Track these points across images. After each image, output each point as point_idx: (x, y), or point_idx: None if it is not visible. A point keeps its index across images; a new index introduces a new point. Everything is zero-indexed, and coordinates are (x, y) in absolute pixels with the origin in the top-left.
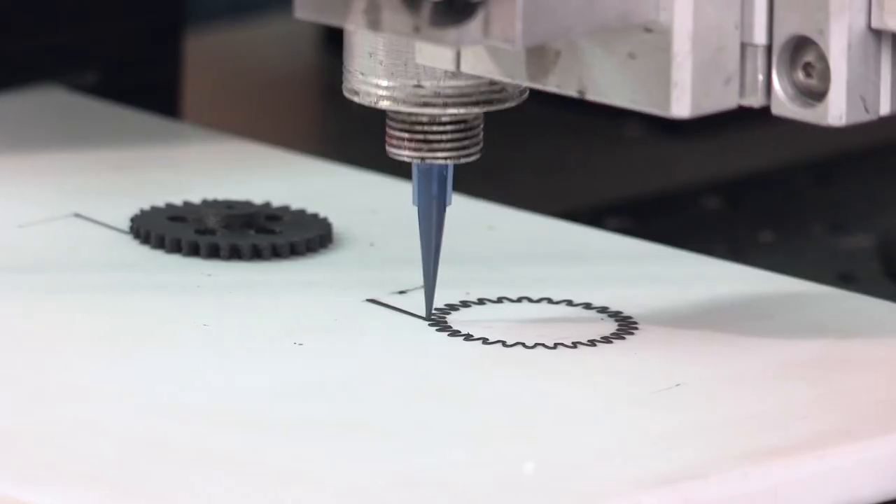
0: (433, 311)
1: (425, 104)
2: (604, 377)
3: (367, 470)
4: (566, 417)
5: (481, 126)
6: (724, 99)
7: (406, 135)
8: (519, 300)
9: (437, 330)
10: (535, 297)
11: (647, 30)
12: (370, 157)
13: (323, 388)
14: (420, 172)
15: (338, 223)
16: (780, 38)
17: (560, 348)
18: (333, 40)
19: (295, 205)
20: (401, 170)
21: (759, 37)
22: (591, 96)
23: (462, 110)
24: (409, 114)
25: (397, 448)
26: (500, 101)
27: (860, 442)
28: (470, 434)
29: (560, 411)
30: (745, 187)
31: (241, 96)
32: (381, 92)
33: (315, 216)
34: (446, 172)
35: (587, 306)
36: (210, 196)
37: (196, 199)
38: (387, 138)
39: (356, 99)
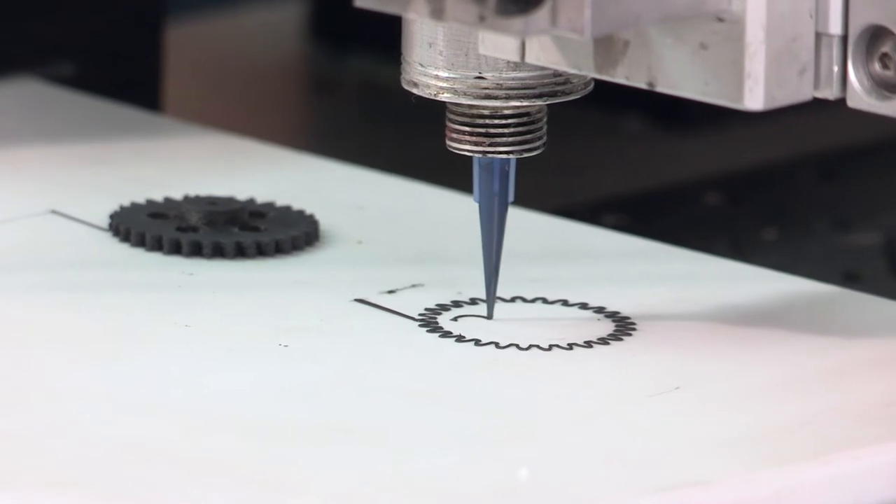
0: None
1: (487, 96)
2: (600, 380)
3: (355, 475)
4: (562, 421)
5: (545, 119)
6: (799, 91)
7: (467, 128)
8: (513, 300)
9: (427, 331)
10: (529, 297)
11: (719, 19)
12: (358, 151)
13: (309, 390)
14: (481, 167)
15: (324, 220)
16: (855, 28)
17: (555, 350)
18: (320, 30)
19: (280, 201)
20: (389, 165)
21: (835, 26)
22: (662, 88)
23: (525, 102)
24: (470, 106)
25: (386, 452)
26: (564, 93)
27: (866, 448)
28: (462, 438)
29: (555, 415)
30: (747, 183)
31: (224, 89)
32: (441, 84)
33: (301, 213)
34: (508, 167)
35: (583, 306)
36: (192, 192)
37: (178, 195)
38: (447, 131)
39: (416, 91)
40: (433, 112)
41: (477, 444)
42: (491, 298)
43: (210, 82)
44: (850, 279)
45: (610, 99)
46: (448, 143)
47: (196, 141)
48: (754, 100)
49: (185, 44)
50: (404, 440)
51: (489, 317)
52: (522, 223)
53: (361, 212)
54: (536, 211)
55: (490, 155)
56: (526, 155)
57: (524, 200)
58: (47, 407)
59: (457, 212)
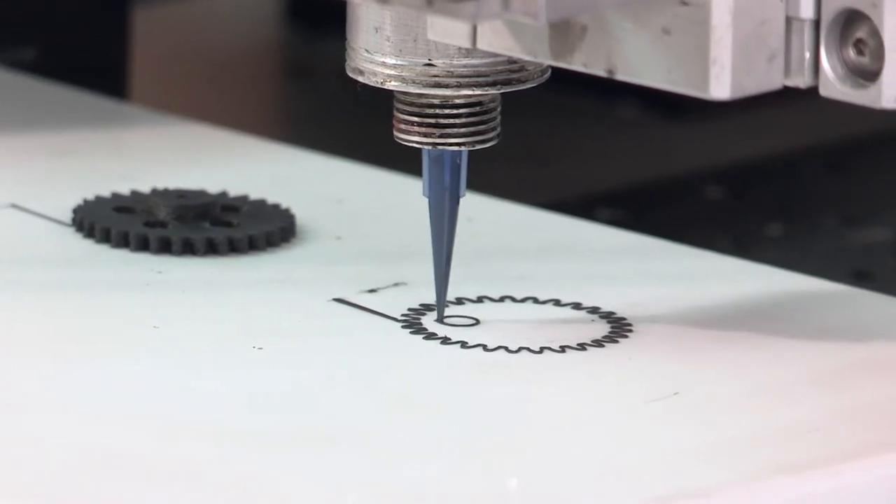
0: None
1: (437, 84)
2: (595, 385)
3: (335, 486)
4: (553, 429)
5: (498, 109)
6: (768, 79)
7: (415, 118)
8: (501, 300)
9: (411, 332)
10: (518, 297)
11: (683, 2)
12: (337, 141)
13: (285, 396)
14: (431, 160)
15: (301, 215)
16: (829, 12)
17: (547, 353)
18: (296, 12)
19: (254, 194)
20: (370, 156)
21: (806, 10)
22: (622, 76)
23: (477, 91)
24: (419, 95)
25: (368, 462)
26: (519, 81)
27: (877, 457)
28: (448, 447)
29: (547, 422)
30: (750, 175)
31: (194, 75)
32: (388, 71)
33: (276, 207)
34: (460, 160)
35: (576, 306)
36: (160, 185)
37: (145, 188)
38: (394, 122)
39: (361, 79)
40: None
41: (464, 453)
42: (441, 300)
43: (179, 68)
44: (859, 277)
45: (603, 84)
46: (396, 134)
47: (165, 130)
48: (720, 88)
49: (152, 27)
50: (387, 449)
51: (439, 320)
52: (512, 218)
53: (341, 205)
54: (526, 205)
55: (440, 147)
56: (478, 147)
57: (513, 194)
58: (7, 414)
59: None
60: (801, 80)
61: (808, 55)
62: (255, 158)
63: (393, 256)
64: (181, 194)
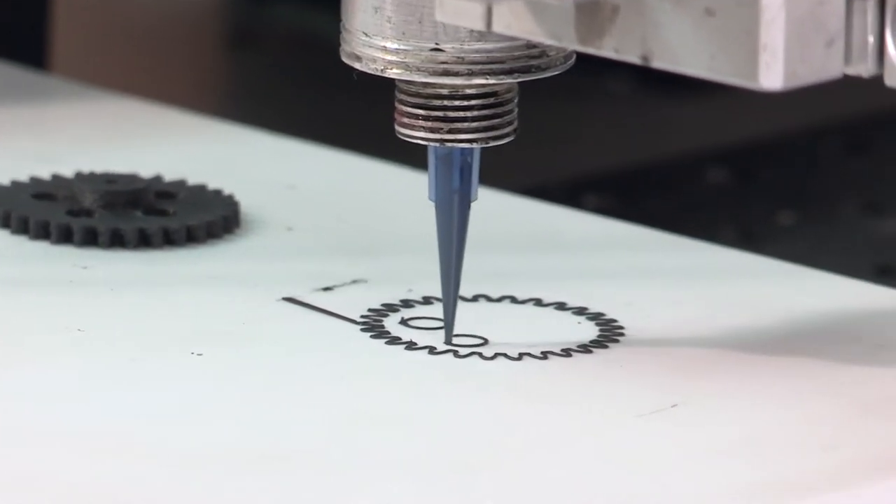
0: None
1: (445, 72)
2: (581, 396)
3: None
4: (533, 447)
5: (515, 101)
6: (826, 66)
7: (421, 111)
8: (475, 299)
9: (371, 336)
10: (494, 295)
11: None
12: (286, 118)
13: (228, 409)
14: (438, 159)
15: (247, 202)
16: None
17: (526, 360)
18: None
19: (192, 179)
20: (324, 135)
21: None
22: (658, 63)
23: (491, 80)
24: (425, 85)
25: (323, 485)
26: (539, 68)
27: None
28: (415, 466)
29: (526, 440)
30: (758, 156)
31: (123, 43)
32: (389, 57)
33: (217, 193)
34: (471, 159)
35: (560, 306)
36: (85, 168)
37: (68, 171)
38: (396, 115)
39: (358, 66)
40: (381, 79)
41: (433, 473)
42: (450, 318)
43: (107, 35)
44: (883, 273)
45: (592, 55)
46: (398, 129)
47: (90, 105)
48: (772, 77)
49: None
50: (345, 470)
51: (447, 342)
52: (487, 205)
53: (291, 192)
54: (504, 191)
55: (449, 144)
56: (493, 143)
57: (489, 178)
58: None
59: (407, 192)
60: (864, 68)
61: (871, 39)
62: (193, 138)
63: (351, 250)
64: (109, 179)
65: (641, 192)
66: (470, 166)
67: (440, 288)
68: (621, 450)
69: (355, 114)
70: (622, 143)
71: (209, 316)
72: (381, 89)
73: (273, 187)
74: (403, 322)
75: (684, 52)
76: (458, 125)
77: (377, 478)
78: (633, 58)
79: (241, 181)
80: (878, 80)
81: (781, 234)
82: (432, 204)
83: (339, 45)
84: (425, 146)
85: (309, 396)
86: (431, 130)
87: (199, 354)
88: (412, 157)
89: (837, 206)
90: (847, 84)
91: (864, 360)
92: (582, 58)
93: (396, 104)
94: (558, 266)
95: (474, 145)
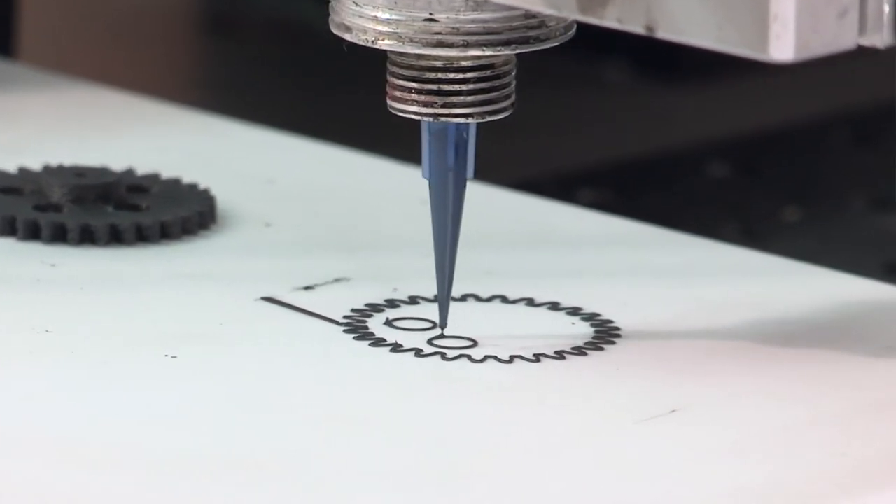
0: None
1: (440, 44)
2: (575, 401)
3: None
4: (526, 455)
5: (513, 73)
6: (838, 37)
7: (414, 85)
8: (463, 298)
9: (355, 338)
10: (484, 295)
11: None
12: (265, 109)
13: (202, 414)
14: (432, 135)
15: (223, 197)
16: None
17: (518, 363)
18: None
19: (166, 172)
20: (305, 126)
21: None
22: (664, 34)
23: (488, 51)
24: (418, 57)
25: (304, 494)
26: (538, 39)
27: None
28: (400, 475)
29: (518, 447)
30: (762, 149)
31: (93, 29)
32: (380, 28)
33: (193, 187)
34: (467, 135)
35: (554, 306)
36: (54, 160)
37: (36, 164)
38: (388, 88)
39: (347, 37)
40: (365, 59)
41: (419, 482)
42: (444, 302)
43: (76, 21)
44: (892, 271)
45: (587, 41)
46: (389, 103)
47: (59, 95)
48: (782, 49)
49: None
50: (327, 479)
51: (441, 325)
52: (477, 200)
53: (270, 186)
54: (495, 185)
55: (443, 119)
56: (489, 118)
57: (480, 171)
58: None
59: (392, 186)
60: (879, 39)
61: (886, 8)
62: (167, 129)
63: (333, 247)
64: (79, 172)
65: (639, 186)
66: (465, 142)
67: (434, 274)
68: (618, 457)
69: (337, 104)
70: (619, 135)
71: (183, 316)
72: (366, 77)
73: (251, 181)
74: (388, 323)
75: (690, 22)
76: (453, 99)
77: (361, 488)
78: (637, 28)
79: (217, 174)
80: (886, 68)
81: (786, 231)
82: (420, 199)
83: (321, 31)
84: (418, 122)
85: (288, 401)
86: (425, 105)
87: (172, 357)
88: (397, 149)
89: (845, 201)
90: (856, 72)
91: (873, 362)
92: (577, 43)
93: (388, 77)
94: (551, 264)
95: (470, 120)
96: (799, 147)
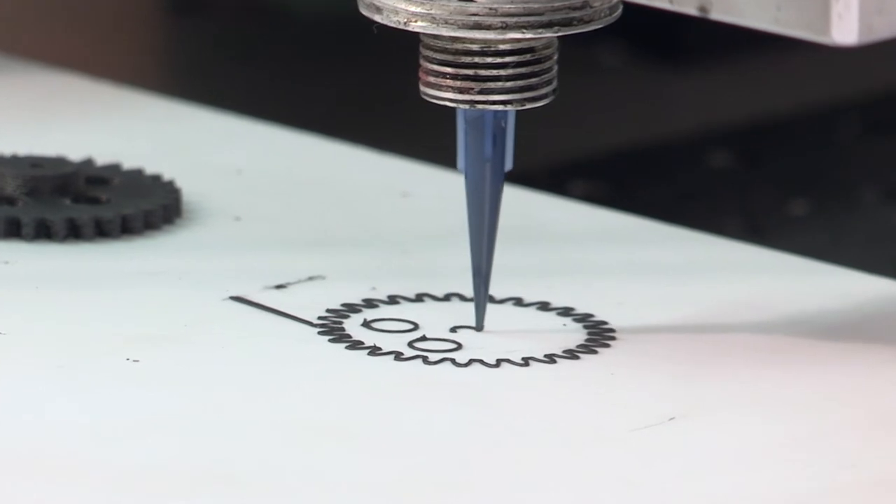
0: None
1: (477, 26)
2: (568, 408)
3: None
4: (514, 466)
5: (555, 58)
6: None
7: (449, 70)
8: (447, 298)
9: (330, 340)
10: (469, 294)
11: None
12: (234, 93)
13: (167, 422)
14: (468, 123)
15: (189, 189)
16: None
17: (505, 366)
18: None
19: (128, 163)
20: (278, 113)
21: None
22: (718, 15)
23: (528, 34)
24: (454, 40)
25: None
26: (582, 21)
27: None
28: (379, 487)
29: (506, 456)
30: (767, 137)
31: (50, 9)
32: (413, 9)
33: (157, 179)
34: (505, 123)
35: (544, 306)
36: (7, 150)
37: None
38: (421, 73)
39: (378, 18)
40: (343, 40)
41: (398, 494)
42: (482, 303)
43: (32, 1)
44: None
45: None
46: (423, 89)
47: (12, 80)
48: (845, 31)
49: None
50: (301, 490)
51: (478, 328)
52: (459, 192)
53: (240, 177)
54: None
55: (480, 106)
56: (529, 106)
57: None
58: None
59: (371, 178)
60: None
61: None
62: (129, 116)
63: (307, 243)
64: (34, 163)
65: (635, 177)
66: (503, 132)
67: (470, 269)
68: (613, 469)
69: (312, 90)
70: (613, 122)
71: (146, 318)
72: (344, 60)
73: (219, 172)
74: (366, 324)
75: (747, 3)
76: (491, 85)
77: (336, 500)
78: (689, 9)
79: (183, 165)
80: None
81: (793, 225)
82: (400, 191)
83: (295, 11)
84: (453, 109)
85: (259, 409)
86: (460, 91)
87: (135, 361)
88: (376, 138)
89: (856, 194)
90: (866, 57)
91: (886, 367)
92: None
93: (421, 62)
94: (541, 261)
95: (509, 107)
96: (807, 135)
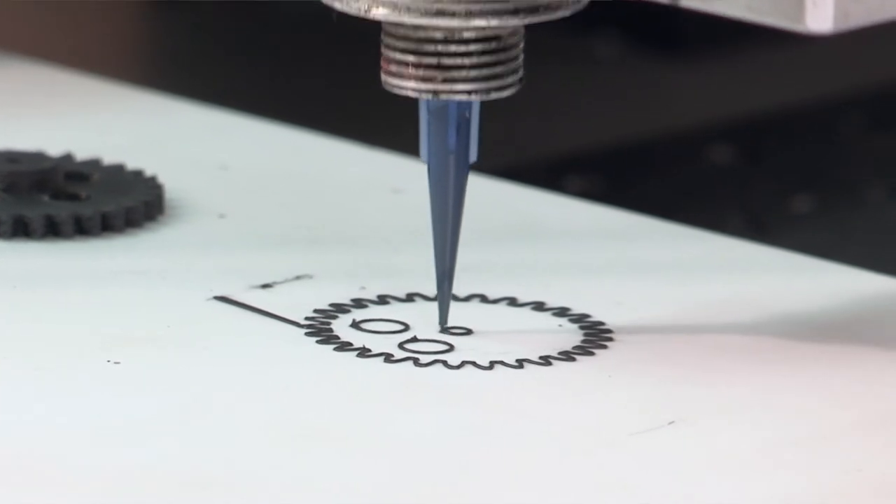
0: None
1: (440, 13)
2: (564, 412)
3: None
4: (508, 472)
5: (521, 46)
6: (883, 6)
7: (411, 58)
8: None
9: (318, 342)
10: (462, 294)
11: None
12: (218, 86)
13: (149, 426)
14: (431, 114)
15: (171, 185)
16: None
17: (499, 369)
18: None
19: (109, 158)
20: (262, 106)
21: None
22: (690, 2)
23: (493, 21)
24: (416, 28)
25: None
26: (548, 8)
27: None
28: (367, 493)
29: (500, 462)
30: (770, 132)
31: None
32: None
33: (138, 174)
34: (469, 114)
35: (539, 306)
36: None
37: None
38: (383, 62)
39: (338, 6)
40: (330, 32)
41: (388, 500)
42: (444, 299)
43: None
44: None
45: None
46: (384, 78)
47: None
48: (820, 18)
49: None
50: (288, 496)
51: (441, 324)
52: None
53: (224, 173)
54: (473, 172)
55: (444, 96)
56: (494, 95)
57: None
58: None
59: (360, 174)
60: None
61: None
62: (109, 110)
63: (294, 240)
64: (12, 157)
65: (632, 173)
66: (468, 122)
67: (434, 265)
68: (611, 474)
69: (298, 83)
70: (610, 116)
71: (128, 318)
72: (331, 52)
73: (203, 168)
74: (355, 325)
75: None
76: (455, 74)
77: (324, 503)
78: None
79: (165, 160)
80: None
81: (796, 223)
82: (391, 187)
83: (279, 2)
84: (416, 99)
85: (245, 412)
86: (423, 80)
87: (116, 363)
88: (365, 132)
89: (861, 190)
90: (873, 48)
91: (892, 367)
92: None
93: (383, 50)
94: (536, 259)
95: (473, 97)
96: (811, 130)
